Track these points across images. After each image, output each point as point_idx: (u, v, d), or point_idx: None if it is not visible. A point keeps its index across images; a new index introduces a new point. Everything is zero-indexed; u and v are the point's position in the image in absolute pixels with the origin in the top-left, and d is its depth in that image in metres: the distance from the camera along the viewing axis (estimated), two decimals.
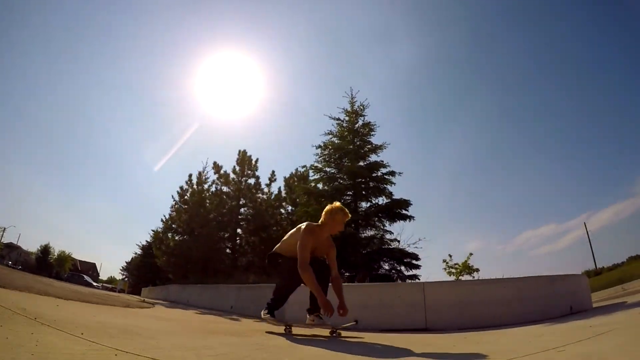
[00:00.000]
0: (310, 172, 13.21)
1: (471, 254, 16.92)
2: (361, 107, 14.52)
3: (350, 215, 4.29)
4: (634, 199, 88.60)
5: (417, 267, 12.42)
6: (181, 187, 18.09)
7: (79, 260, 70.25)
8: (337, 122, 14.33)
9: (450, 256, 17.57)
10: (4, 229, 49.92)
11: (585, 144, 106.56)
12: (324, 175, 13.32)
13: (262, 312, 4.08)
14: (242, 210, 17.06)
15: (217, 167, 17.47)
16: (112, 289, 34.35)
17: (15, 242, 63.58)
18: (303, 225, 4.08)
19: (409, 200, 13.11)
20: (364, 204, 13.32)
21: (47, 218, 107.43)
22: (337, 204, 4.17)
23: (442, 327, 5.23)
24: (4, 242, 57.87)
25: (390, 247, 12.65)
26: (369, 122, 14.36)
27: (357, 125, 14.42)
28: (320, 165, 13.40)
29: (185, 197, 17.71)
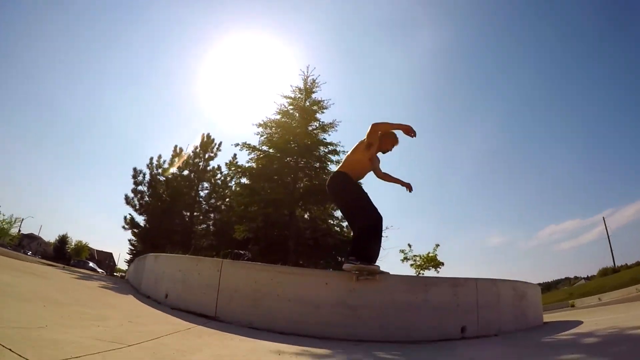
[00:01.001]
0: (245, 151, 12.41)
1: (438, 245, 15.78)
2: (313, 84, 13.73)
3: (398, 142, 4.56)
4: None
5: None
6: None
7: (96, 250, 72.22)
8: (288, 100, 13.60)
9: (409, 246, 16.55)
10: (22, 219, 51.68)
11: (613, 139, 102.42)
12: (260, 154, 12.51)
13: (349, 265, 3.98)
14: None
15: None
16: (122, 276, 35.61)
17: (37, 233, 66.20)
18: (364, 139, 4.26)
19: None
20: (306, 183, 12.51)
21: (67, 210, 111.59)
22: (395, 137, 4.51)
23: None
24: (25, 232, 60.12)
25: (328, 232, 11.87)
26: (321, 99, 13.62)
27: (308, 102, 13.69)
28: (256, 145, 12.57)
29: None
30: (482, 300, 4.53)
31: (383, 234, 4.28)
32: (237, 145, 12.54)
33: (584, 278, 43.90)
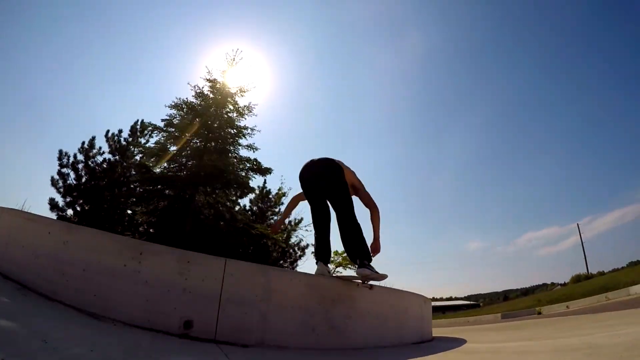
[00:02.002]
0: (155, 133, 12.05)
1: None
2: (232, 64, 13.33)
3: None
4: (638, 205, 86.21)
5: None
6: None
7: None
8: (209, 83, 13.21)
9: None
10: None
11: (593, 147, 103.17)
12: (165, 135, 12.09)
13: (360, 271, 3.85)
14: None
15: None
16: None
17: None
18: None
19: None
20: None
21: None
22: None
23: None
24: None
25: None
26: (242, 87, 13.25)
27: (231, 86, 13.30)
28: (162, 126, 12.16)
29: None
30: None
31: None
32: (145, 125, 12.23)
33: (560, 284, 43.40)
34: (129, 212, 15.87)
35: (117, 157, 16.84)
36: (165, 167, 11.85)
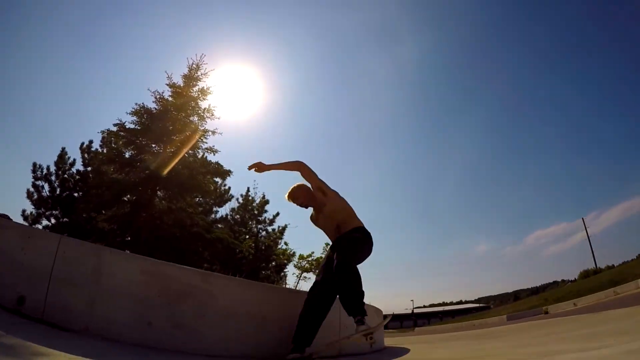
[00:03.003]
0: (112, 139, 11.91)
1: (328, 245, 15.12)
2: (195, 68, 13.24)
3: (290, 192, 3.89)
4: None
5: None
6: None
7: None
8: (171, 89, 13.09)
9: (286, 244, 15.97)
10: None
11: (596, 143, 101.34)
12: (121, 140, 11.91)
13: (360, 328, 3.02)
14: None
15: None
16: None
17: None
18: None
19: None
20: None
21: None
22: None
23: None
24: None
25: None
26: (207, 86, 13.16)
27: (194, 90, 13.20)
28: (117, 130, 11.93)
29: None
30: None
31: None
32: (102, 132, 12.11)
33: (570, 281, 42.18)
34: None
35: (88, 168, 16.85)
36: (121, 172, 11.69)
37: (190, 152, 12.08)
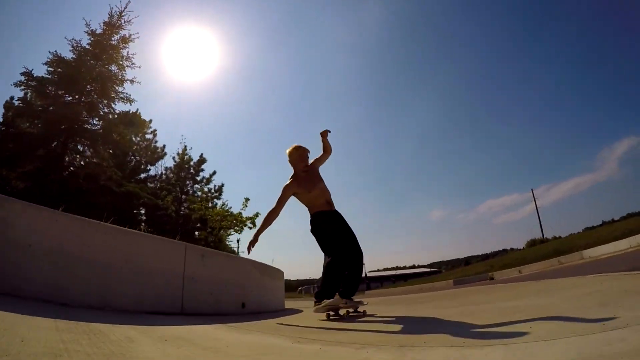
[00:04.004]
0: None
1: (247, 199, 14.52)
2: (118, 15, 12.32)
3: (303, 149, 4.14)
4: (594, 174, 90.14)
5: None
6: None
7: None
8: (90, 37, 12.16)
9: (247, 200, 15.25)
10: None
11: (552, 117, 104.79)
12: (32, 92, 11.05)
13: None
14: None
15: None
16: None
17: None
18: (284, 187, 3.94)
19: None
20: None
21: None
22: (292, 146, 4.14)
23: None
24: None
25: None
26: (127, 34, 12.27)
27: (112, 40, 12.32)
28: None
29: None
30: None
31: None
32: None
33: (519, 250, 43.89)
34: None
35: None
36: (29, 124, 10.94)
37: (104, 101, 11.37)
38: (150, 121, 11.21)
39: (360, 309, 3.92)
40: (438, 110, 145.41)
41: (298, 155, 4.04)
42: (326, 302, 3.62)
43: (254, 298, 5.02)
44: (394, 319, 3.43)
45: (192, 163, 17.93)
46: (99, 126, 10.80)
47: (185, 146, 17.81)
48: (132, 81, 11.76)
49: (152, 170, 16.53)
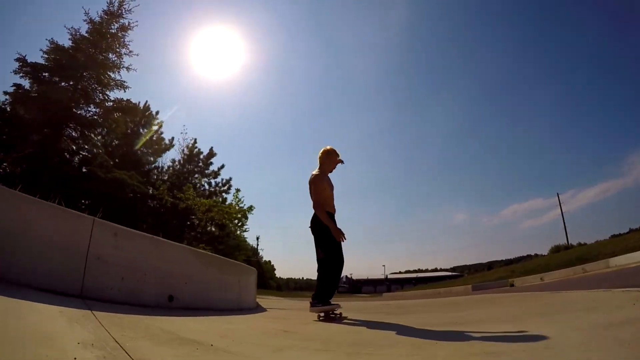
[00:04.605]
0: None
1: (238, 190, 14.14)
2: (119, 4, 12.33)
3: (339, 156, 4.53)
4: (622, 179, 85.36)
5: None
6: None
7: None
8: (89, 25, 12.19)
9: (237, 191, 14.92)
10: None
11: (579, 122, 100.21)
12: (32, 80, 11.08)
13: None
14: None
15: None
16: None
17: None
18: (313, 181, 4.27)
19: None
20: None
21: None
22: (329, 147, 4.54)
23: None
24: None
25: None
26: (126, 23, 12.26)
27: (114, 26, 12.32)
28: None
29: None
30: None
31: None
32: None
33: (543, 256, 42.11)
34: None
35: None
36: (27, 111, 11.00)
37: (99, 88, 11.36)
38: (157, 112, 11.19)
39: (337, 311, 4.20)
40: (462, 113, 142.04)
41: (332, 159, 4.44)
42: (323, 307, 4.05)
43: (191, 292, 4.45)
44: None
45: (201, 156, 17.91)
46: (91, 112, 10.75)
47: (195, 139, 17.84)
48: (128, 68, 11.75)
49: (159, 162, 16.63)
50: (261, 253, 65.65)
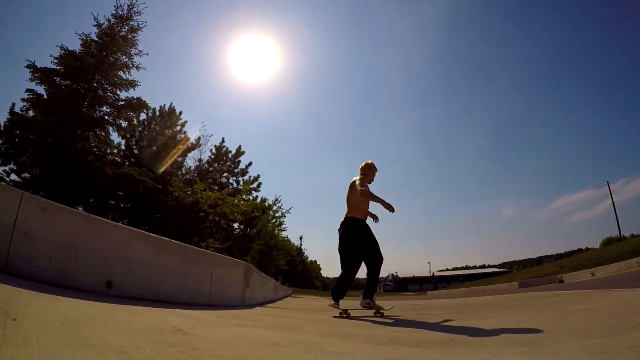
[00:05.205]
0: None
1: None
2: (129, 7, 12.50)
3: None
4: None
5: None
6: None
7: None
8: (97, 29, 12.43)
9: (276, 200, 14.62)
10: None
11: (627, 106, 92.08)
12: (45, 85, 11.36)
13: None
14: None
15: None
16: None
17: None
18: (356, 179, 4.90)
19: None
20: None
21: None
22: (370, 161, 5.17)
23: None
24: None
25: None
26: (135, 24, 12.43)
27: (125, 29, 12.51)
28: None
29: None
30: None
31: None
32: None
33: (594, 249, 39.13)
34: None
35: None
36: (41, 115, 11.35)
37: (108, 88, 11.58)
38: (181, 113, 11.41)
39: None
40: (508, 105, 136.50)
41: (373, 172, 5.08)
42: (338, 306, 4.51)
43: (137, 280, 4.05)
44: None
45: (230, 155, 18.05)
46: (103, 112, 10.98)
47: (223, 138, 18.15)
48: (138, 67, 11.96)
49: (186, 162, 16.94)
50: (306, 253, 65.53)
